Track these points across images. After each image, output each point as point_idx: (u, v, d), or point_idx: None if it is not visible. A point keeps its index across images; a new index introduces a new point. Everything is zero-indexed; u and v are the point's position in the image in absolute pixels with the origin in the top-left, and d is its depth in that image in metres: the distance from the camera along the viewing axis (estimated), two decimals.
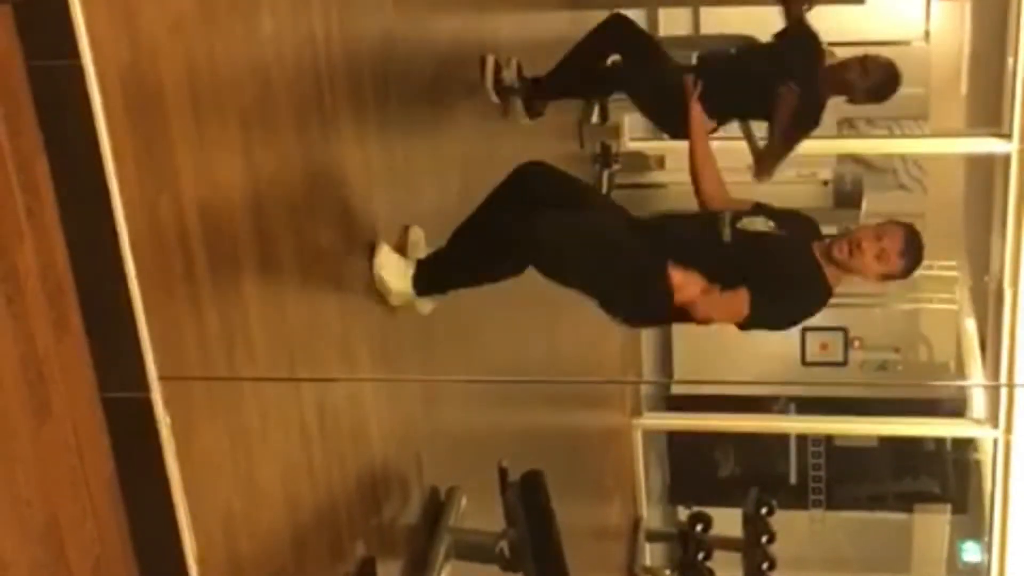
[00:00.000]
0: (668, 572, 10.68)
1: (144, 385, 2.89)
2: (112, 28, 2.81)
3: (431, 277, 4.71)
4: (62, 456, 2.73)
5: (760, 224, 4.59)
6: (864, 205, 8.59)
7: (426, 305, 4.80)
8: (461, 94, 5.89)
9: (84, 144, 2.71)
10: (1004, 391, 9.18)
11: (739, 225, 4.56)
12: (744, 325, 4.49)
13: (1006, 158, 8.64)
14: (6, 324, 2.54)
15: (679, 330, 12.38)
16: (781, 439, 12.56)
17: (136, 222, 2.84)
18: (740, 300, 4.35)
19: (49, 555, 2.66)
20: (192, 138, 3.18)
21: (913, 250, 4.47)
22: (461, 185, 5.60)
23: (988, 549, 9.83)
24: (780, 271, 4.49)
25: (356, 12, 4.41)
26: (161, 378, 2.91)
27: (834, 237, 4.59)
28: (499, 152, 6.30)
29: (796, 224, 4.70)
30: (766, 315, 4.45)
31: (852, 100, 6.20)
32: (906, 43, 11.21)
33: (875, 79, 6.08)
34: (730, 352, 11.65)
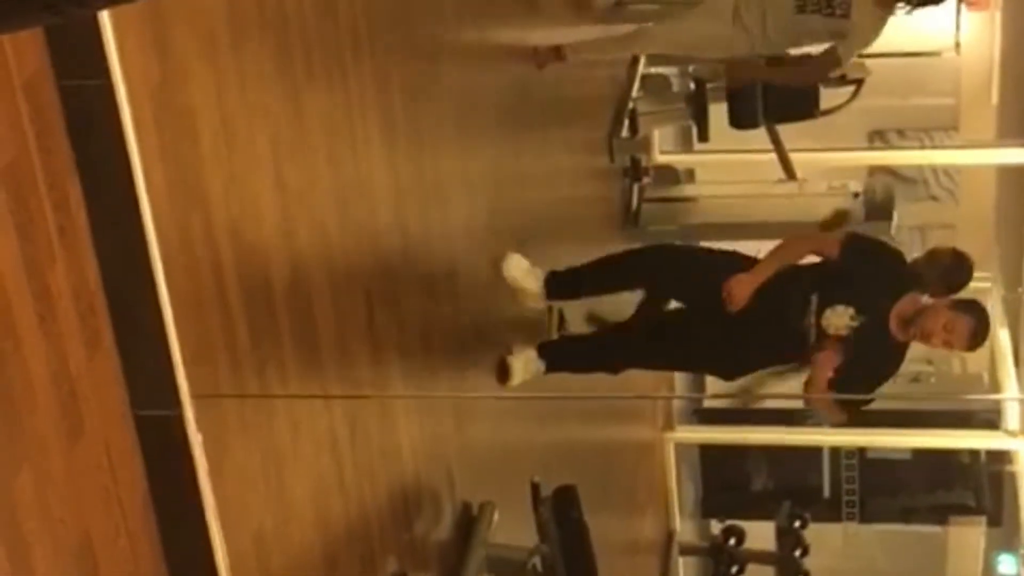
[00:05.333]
0: None
1: (176, 403, 2.89)
2: (142, 47, 2.82)
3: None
4: (95, 474, 2.74)
5: (844, 321, 5.00)
6: (895, 216, 8.54)
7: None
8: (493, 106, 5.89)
9: (115, 163, 2.72)
10: None
11: (824, 324, 5.01)
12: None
13: None
14: (39, 343, 2.55)
15: None
16: (814, 452, 12.48)
17: (167, 240, 2.85)
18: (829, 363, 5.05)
19: (82, 573, 2.67)
20: (222, 157, 3.19)
21: (981, 328, 5.00)
22: (489, 201, 5.61)
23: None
24: (861, 364, 5.02)
25: (384, 29, 4.42)
26: (193, 396, 2.92)
27: (911, 316, 5.00)
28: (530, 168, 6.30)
29: (878, 290, 5.08)
30: (851, 389, 5.03)
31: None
32: (937, 54, 11.17)
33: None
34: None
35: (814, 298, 5.04)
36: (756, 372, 5.78)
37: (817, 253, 5.24)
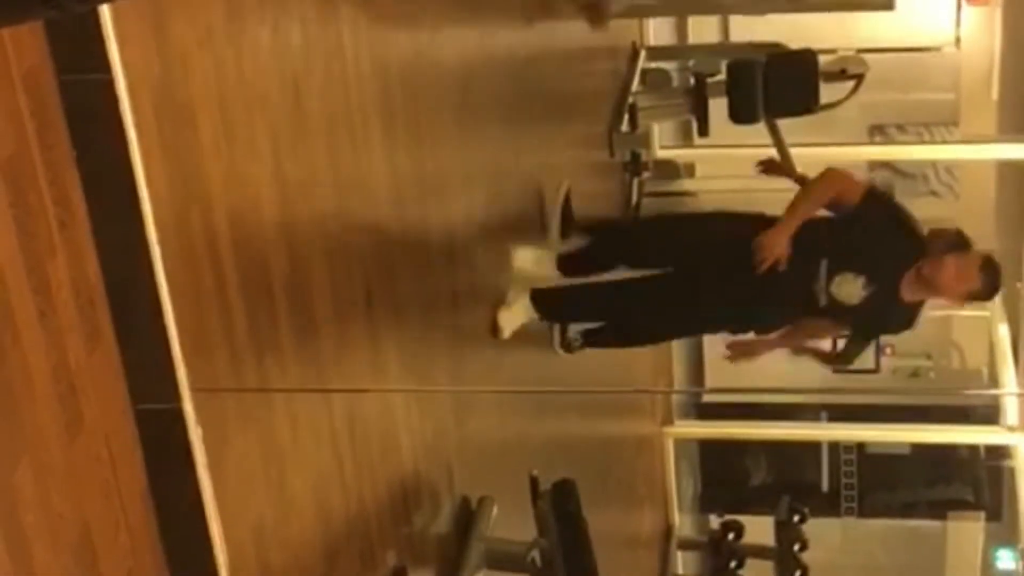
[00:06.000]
0: None
1: (176, 396, 2.90)
2: (142, 41, 2.82)
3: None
4: (94, 468, 2.74)
5: (854, 289, 5.07)
6: None
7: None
8: (490, 106, 5.89)
9: (115, 157, 2.72)
10: None
11: (832, 289, 5.07)
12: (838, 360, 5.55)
13: None
14: (38, 337, 2.55)
15: (711, 339, 12.35)
16: (813, 447, 12.50)
17: (167, 234, 2.85)
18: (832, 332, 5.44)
19: (82, 567, 2.67)
20: (222, 150, 3.19)
21: (991, 271, 5.07)
22: (488, 196, 5.61)
23: (1023, 556, 9.77)
24: (873, 327, 5.27)
25: (385, 24, 4.42)
26: (193, 389, 2.92)
27: (921, 264, 5.06)
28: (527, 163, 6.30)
29: (888, 257, 5.13)
30: (860, 350, 5.31)
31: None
32: (936, 49, 11.17)
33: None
34: (761, 360, 11.61)
35: (824, 263, 5.04)
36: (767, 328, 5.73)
37: (839, 197, 5.19)
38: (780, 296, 5.20)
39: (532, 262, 5.56)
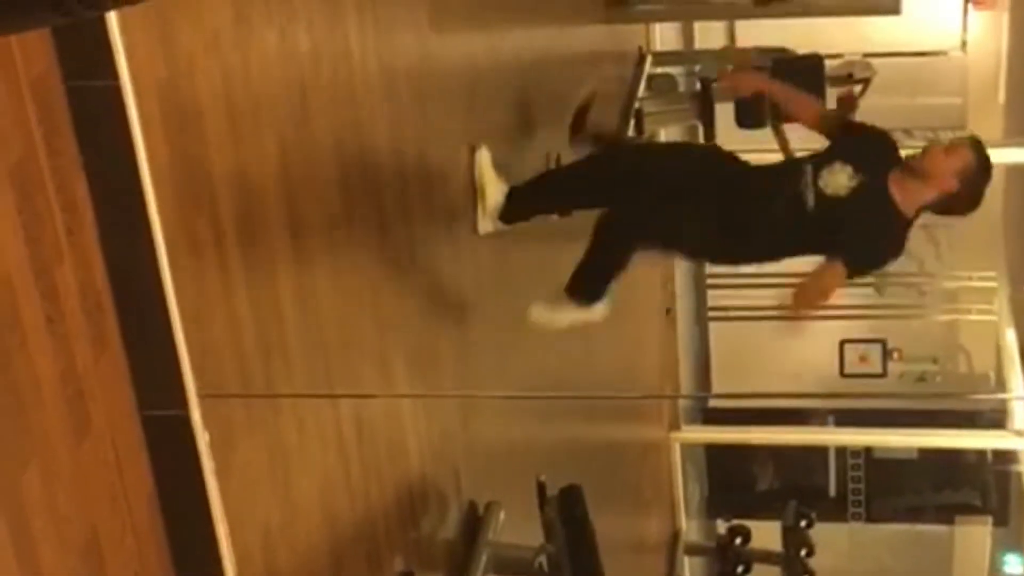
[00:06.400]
0: None
1: (183, 402, 2.90)
2: (149, 47, 2.83)
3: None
4: (102, 472, 2.75)
5: (842, 180, 4.86)
6: None
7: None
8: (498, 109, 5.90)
9: (122, 163, 2.73)
10: None
11: (821, 184, 4.85)
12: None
13: None
14: (46, 342, 2.56)
15: (717, 343, 12.37)
16: (820, 451, 12.50)
17: (174, 240, 2.86)
18: (838, 275, 4.86)
19: (89, 570, 2.68)
20: (229, 155, 3.20)
21: (979, 148, 4.88)
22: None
23: None
24: (864, 227, 4.87)
25: (392, 27, 4.42)
26: (200, 395, 2.93)
27: (908, 158, 4.93)
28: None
29: (876, 155, 4.96)
30: (859, 265, 4.93)
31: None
32: (943, 53, 11.16)
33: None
34: (768, 365, 11.61)
35: (809, 166, 4.94)
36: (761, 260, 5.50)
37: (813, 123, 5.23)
38: (770, 218, 4.98)
39: (490, 174, 5.33)
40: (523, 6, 6.61)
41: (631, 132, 8.34)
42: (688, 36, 10.63)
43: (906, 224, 4.94)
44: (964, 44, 11.12)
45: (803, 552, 9.73)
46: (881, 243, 4.97)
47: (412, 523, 4.45)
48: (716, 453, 12.58)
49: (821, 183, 4.86)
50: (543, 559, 4.95)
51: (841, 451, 12.48)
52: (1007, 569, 12.15)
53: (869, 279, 9.02)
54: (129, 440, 2.84)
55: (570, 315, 5.17)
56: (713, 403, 12.18)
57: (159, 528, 2.94)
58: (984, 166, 4.88)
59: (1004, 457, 11.56)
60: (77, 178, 2.69)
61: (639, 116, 8.41)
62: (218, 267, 3.12)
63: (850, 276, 4.91)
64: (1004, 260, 11.03)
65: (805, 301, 5.00)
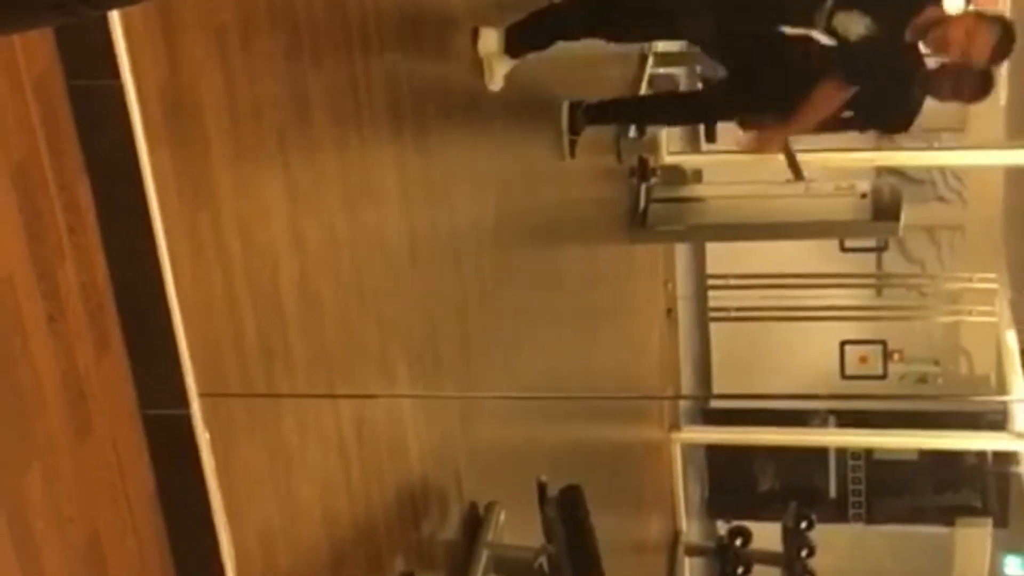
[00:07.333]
0: None
1: (184, 402, 2.90)
2: (151, 46, 2.83)
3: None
4: (103, 473, 2.75)
5: (855, 25, 4.79)
6: (903, 217, 8.54)
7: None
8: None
9: (124, 163, 2.72)
10: None
11: (834, 22, 4.79)
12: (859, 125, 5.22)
13: None
14: (48, 342, 2.55)
15: (718, 344, 12.37)
16: (820, 453, 12.50)
17: (176, 240, 2.86)
18: (835, 94, 4.84)
19: (90, 571, 2.67)
20: (231, 154, 3.20)
21: (1005, 38, 4.78)
22: (496, 200, 5.61)
23: None
24: (871, 82, 4.82)
25: (394, 21, 4.42)
26: (201, 395, 2.92)
27: (930, 24, 4.82)
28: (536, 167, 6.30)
29: (897, 8, 4.87)
30: (873, 114, 4.96)
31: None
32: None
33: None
34: (769, 365, 11.62)
35: (828, 3, 4.82)
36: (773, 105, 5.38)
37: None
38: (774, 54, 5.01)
39: (497, 52, 5.28)
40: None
41: (632, 132, 8.35)
42: None
43: (918, 86, 4.89)
44: None
45: (803, 553, 9.75)
46: (885, 99, 4.95)
47: (413, 523, 4.45)
48: (717, 454, 12.58)
49: (835, 22, 4.80)
50: (544, 560, 4.94)
51: (841, 452, 12.48)
52: (1007, 571, 12.15)
53: (869, 280, 9.02)
54: (130, 440, 2.84)
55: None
56: (714, 404, 12.18)
57: (160, 529, 2.93)
58: (1006, 46, 4.78)
59: (1004, 459, 11.56)
60: (79, 178, 2.69)
61: None
62: (220, 266, 3.12)
63: (857, 127, 5.00)
64: (1004, 261, 11.02)
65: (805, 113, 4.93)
